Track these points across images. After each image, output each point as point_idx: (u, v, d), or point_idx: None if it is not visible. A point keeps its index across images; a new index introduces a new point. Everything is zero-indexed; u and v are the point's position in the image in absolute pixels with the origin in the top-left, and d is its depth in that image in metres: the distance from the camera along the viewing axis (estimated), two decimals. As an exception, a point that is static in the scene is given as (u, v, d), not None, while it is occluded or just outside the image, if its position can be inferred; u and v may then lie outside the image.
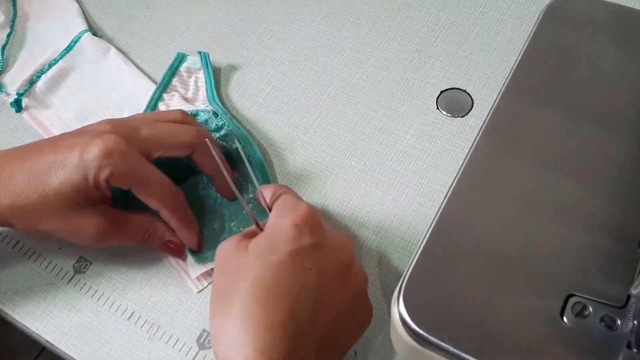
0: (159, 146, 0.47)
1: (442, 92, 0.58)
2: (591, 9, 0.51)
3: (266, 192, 0.46)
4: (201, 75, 0.60)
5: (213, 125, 0.55)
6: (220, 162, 0.46)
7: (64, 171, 0.44)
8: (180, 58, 0.60)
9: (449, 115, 0.56)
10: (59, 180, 0.44)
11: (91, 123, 0.48)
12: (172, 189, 0.48)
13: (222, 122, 0.55)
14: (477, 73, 0.58)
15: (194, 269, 0.49)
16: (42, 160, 0.45)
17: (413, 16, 0.62)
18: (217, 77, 0.60)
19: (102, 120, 0.48)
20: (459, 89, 0.58)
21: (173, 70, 0.59)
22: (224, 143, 0.54)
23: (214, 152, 0.46)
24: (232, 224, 0.51)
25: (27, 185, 0.45)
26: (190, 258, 0.50)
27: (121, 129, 0.46)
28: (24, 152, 0.47)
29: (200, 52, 0.60)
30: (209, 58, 0.60)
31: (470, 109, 0.56)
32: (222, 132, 0.54)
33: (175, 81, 0.59)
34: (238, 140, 0.54)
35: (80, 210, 0.46)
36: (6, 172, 0.45)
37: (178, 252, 0.50)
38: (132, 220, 0.48)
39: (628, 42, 0.50)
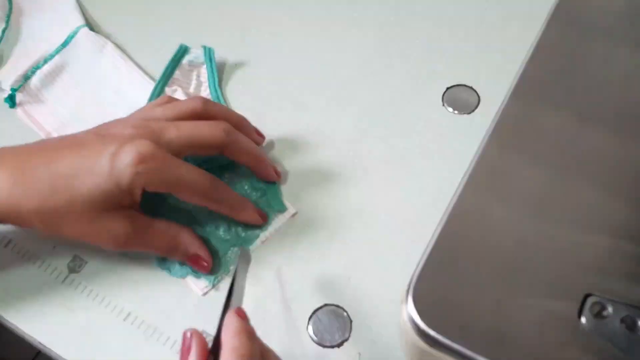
0: (186, 149, 0.46)
1: (447, 88, 0.57)
2: (605, 2, 0.50)
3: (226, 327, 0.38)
4: (204, 70, 0.58)
5: None
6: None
7: (92, 178, 0.43)
8: (183, 50, 0.58)
9: (455, 112, 0.55)
10: (87, 187, 0.43)
11: (108, 122, 0.47)
12: (211, 182, 0.46)
13: None
14: (484, 69, 0.57)
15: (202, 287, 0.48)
16: (66, 164, 0.43)
17: (418, 11, 0.61)
18: (220, 74, 0.59)
19: (121, 121, 0.47)
20: (465, 85, 0.57)
21: (176, 63, 0.58)
22: None
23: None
24: (239, 228, 0.50)
25: (53, 190, 0.43)
26: (201, 281, 0.48)
27: (146, 132, 0.45)
28: (44, 153, 0.44)
29: (204, 47, 0.59)
30: (213, 54, 0.58)
31: (477, 106, 0.55)
32: None
33: (177, 74, 0.58)
34: None
35: (106, 215, 0.44)
36: (29, 174, 0.43)
37: (203, 267, 0.48)
38: (156, 230, 0.47)
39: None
